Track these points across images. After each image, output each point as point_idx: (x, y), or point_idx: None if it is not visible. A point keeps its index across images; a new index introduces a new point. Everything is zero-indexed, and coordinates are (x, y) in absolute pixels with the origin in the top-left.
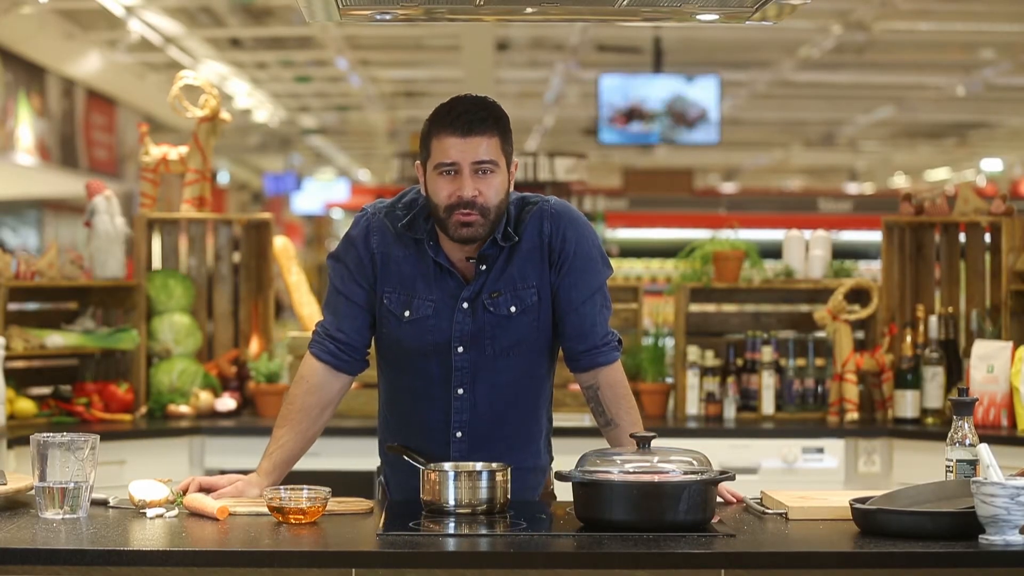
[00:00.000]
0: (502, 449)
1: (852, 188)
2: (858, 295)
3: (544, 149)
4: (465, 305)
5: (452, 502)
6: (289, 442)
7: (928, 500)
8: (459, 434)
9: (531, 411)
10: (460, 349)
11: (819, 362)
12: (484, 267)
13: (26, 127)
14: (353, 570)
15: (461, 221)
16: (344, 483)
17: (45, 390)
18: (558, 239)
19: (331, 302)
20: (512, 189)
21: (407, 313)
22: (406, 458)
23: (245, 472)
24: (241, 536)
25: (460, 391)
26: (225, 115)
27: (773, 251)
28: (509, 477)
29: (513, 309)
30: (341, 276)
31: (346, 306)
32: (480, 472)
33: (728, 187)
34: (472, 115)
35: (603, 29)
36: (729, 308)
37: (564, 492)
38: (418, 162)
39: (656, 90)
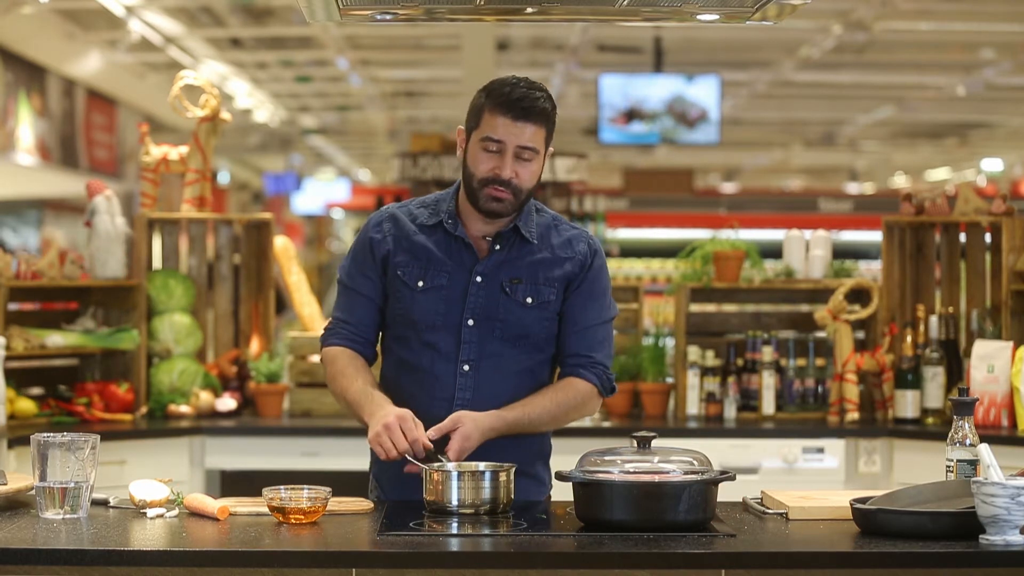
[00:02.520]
0: (500, 436)
1: (852, 188)
2: (858, 295)
3: None
4: (479, 279)
5: (455, 502)
6: (369, 379)
7: (928, 500)
8: None
9: None
10: (471, 322)
11: (819, 362)
12: (498, 247)
13: (26, 127)
14: (353, 570)
15: (493, 195)
16: (344, 483)
17: (45, 390)
18: (585, 264)
19: (339, 298)
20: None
21: (421, 283)
22: (408, 458)
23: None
24: (241, 536)
25: (466, 367)
26: (225, 115)
27: (773, 251)
28: (512, 477)
29: (529, 300)
30: (348, 272)
31: (354, 298)
32: (483, 472)
33: (728, 187)
34: (528, 102)
35: (603, 29)
36: (729, 308)
37: (564, 492)
38: (461, 127)
39: (656, 90)
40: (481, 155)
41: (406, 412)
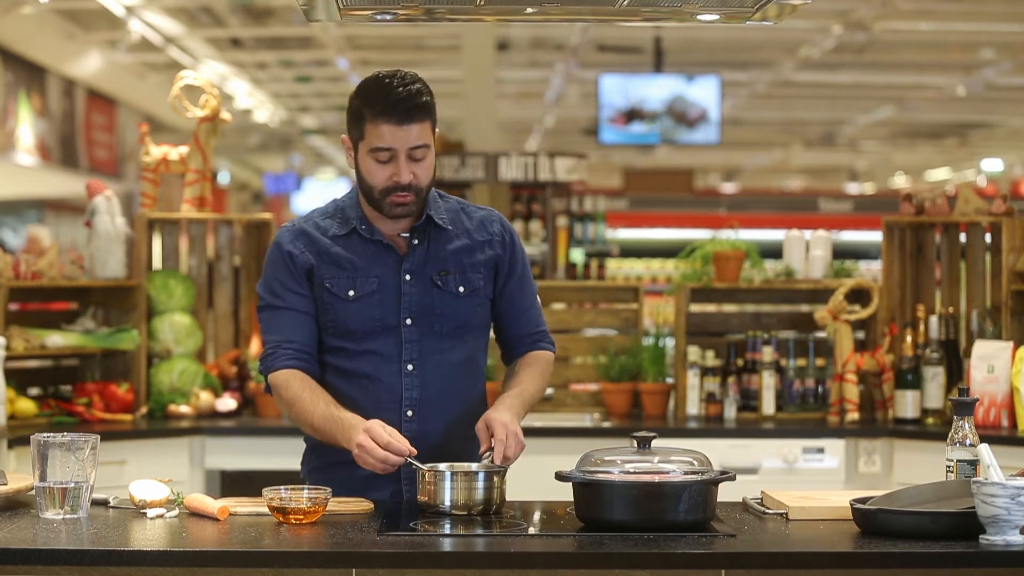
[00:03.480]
0: (453, 431)
1: (852, 188)
2: (858, 295)
3: (544, 149)
4: (408, 277)
5: (448, 503)
6: (329, 400)
7: (928, 500)
8: (410, 412)
9: (475, 402)
10: (408, 321)
11: (819, 362)
12: (417, 241)
13: (26, 127)
14: (353, 570)
15: (397, 202)
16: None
17: (45, 390)
18: (507, 245)
19: (269, 323)
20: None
21: (351, 292)
22: (410, 461)
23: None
24: (241, 536)
25: (410, 367)
26: (225, 115)
27: (773, 251)
28: (505, 478)
29: (462, 289)
30: (273, 293)
31: (288, 317)
32: (477, 473)
33: (728, 187)
34: (408, 103)
35: (603, 29)
36: (729, 308)
37: (563, 492)
38: (345, 136)
39: (656, 90)
40: (374, 166)
41: (372, 424)
